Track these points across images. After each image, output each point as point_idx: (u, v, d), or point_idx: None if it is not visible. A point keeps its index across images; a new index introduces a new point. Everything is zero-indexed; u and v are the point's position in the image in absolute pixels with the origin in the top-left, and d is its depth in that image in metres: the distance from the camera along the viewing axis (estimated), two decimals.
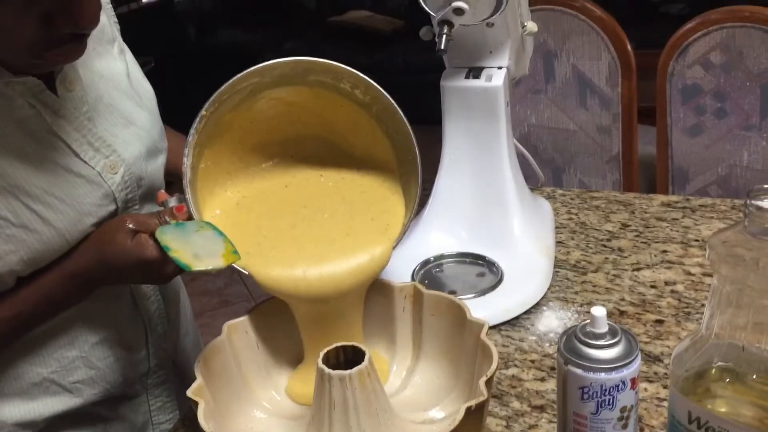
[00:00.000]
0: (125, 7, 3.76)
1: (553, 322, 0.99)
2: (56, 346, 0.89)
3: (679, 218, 1.21)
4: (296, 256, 0.82)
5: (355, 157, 0.90)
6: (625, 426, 0.69)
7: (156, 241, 0.77)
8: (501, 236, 1.07)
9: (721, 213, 1.21)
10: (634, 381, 0.68)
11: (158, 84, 1.02)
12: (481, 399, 0.67)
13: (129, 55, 0.96)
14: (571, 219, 1.25)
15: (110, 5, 0.94)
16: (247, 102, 0.84)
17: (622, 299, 1.02)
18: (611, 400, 0.67)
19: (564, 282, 1.07)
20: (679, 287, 1.03)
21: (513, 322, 1.00)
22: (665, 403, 0.82)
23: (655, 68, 1.74)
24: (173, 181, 0.97)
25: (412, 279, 1.05)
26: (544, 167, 1.88)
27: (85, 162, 0.84)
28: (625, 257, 1.12)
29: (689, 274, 1.06)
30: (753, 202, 0.60)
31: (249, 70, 0.80)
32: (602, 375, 0.67)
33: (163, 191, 0.86)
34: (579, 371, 0.67)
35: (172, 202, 0.81)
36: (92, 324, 0.90)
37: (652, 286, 1.04)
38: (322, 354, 0.71)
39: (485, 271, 1.06)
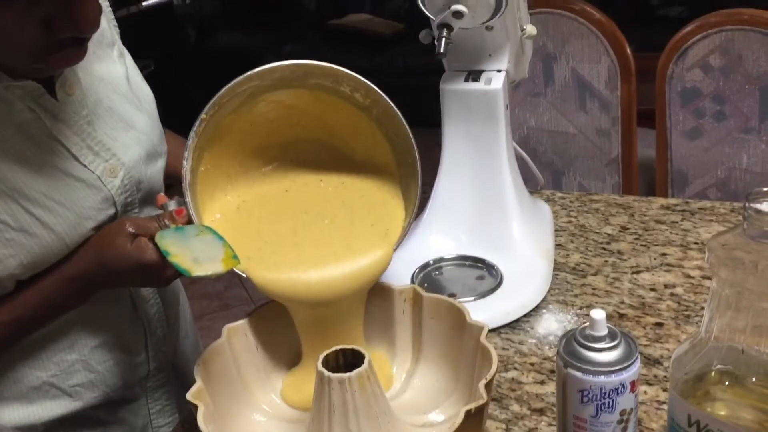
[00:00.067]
0: (125, 10, 3.76)
1: (552, 325, 0.99)
2: (56, 350, 0.89)
3: (679, 221, 1.21)
4: (297, 261, 0.82)
5: (355, 160, 0.90)
6: (624, 429, 0.69)
7: (156, 244, 0.77)
8: (500, 239, 1.07)
9: (721, 216, 1.21)
10: (633, 384, 0.68)
11: (158, 87, 1.02)
12: (481, 402, 0.67)
13: (128, 58, 0.96)
14: (570, 222, 1.25)
15: (110, 9, 0.94)
16: (247, 105, 0.84)
17: (622, 302, 1.02)
18: (611, 403, 0.67)
19: (563, 285, 1.07)
20: (679, 290, 1.03)
21: (512, 325, 1.00)
22: (665, 406, 0.82)
23: (654, 71, 1.75)
24: (173, 184, 0.97)
25: (412, 282, 1.05)
26: (544, 170, 1.88)
27: (85, 166, 0.84)
28: (625, 260, 1.12)
29: (689, 277, 1.06)
30: (752, 205, 0.60)
31: (249, 73, 0.80)
32: (602, 378, 0.67)
33: (162, 194, 0.86)
34: (579, 374, 0.67)
35: (172, 205, 0.81)
36: (92, 327, 0.90)
37: (652, 289, 1.04)
38: (321, 357, 0.71)
39: (485, 274, 1.06)
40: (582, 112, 1.86)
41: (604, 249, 1.16)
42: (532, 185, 1.28)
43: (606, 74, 1.79)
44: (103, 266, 0.80)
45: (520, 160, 1.18)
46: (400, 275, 1.04)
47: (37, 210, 0.79)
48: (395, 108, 0.84)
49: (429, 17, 0.98)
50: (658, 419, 0.81)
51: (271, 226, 0.86)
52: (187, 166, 0.80)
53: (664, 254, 1.12)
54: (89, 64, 0.86)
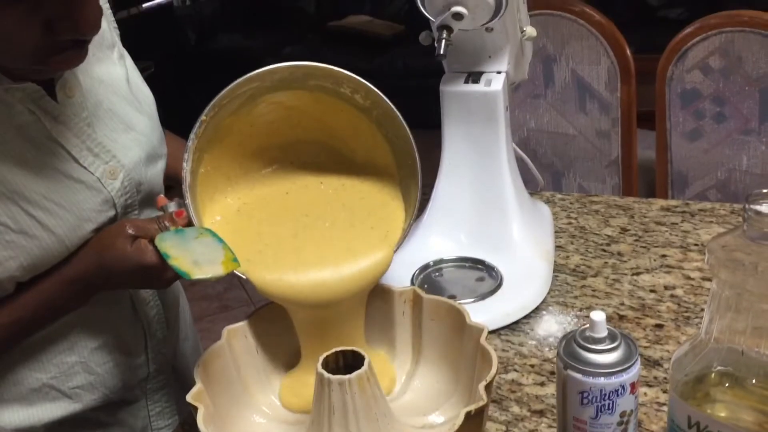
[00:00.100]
0: (125, 12, 3.76)
1: (552, 326, 0.99)
2: (55, 352, 0.89)
3: (679, 222, 1.21)
4: (297, 264, 0.82)
5: (355, 161, 0.90)
6: (624, 431, 0.69)
7: (155, 246, 0.77)
8: (500, 240, 1.07)
9: (721, 217, 1.21)
10: (633, 385, 0.68)
11: (158, 89, 1.02)
12: (481, 404, 0.67)
13: (129, 60, 0.96)
14: (570, 223, 1.25)
15: (110, 10, 0.94)
16: (247, 106, 0.84)
17: (622, 304, 1.02)
18: (611, 405, 0.67)
19: (563, 286, 1.07)
20: (679, 291, 1.03)
21: (512, 327, 1.00)
22: (665, 408, 0.82)
23: (654, 73, 1.75)
24: (173, 185, 0.97)
25: (412, 283, 1.05)
26: (544, 172, 1.88)
27: (85, 168, 0.84)
28: (625, 262, 1.12)
29: (688, 278, 1.06)
30: (752, 206, 0.60)
31: (249, 74, 0.80)
32: (602, 380, 0.67)
33: (162, 196, 0.86)
34: (578, 376, 0.67)
35: (172, 206, 0.80)
36: (91, 329, 0.90)
37: (652, 291, 1.04)
38: (321, 359, 0.71)
39: (485, 275, 1.06)
40: (582, 114, 1.86)
41: (604, 250, 1.16)
42: (532, 187, 1.28)
43: (606, 76, 1.79)
44: (103, 268, 0.80)
45: (520, 161, 1.18)
46: (400, 277, 1.04)
47: (37, 212, 0.79)
48: (395, 109, 0.84)
49: (429, 19, 0.98)
50: (658, 421, 0.81)
51: (272, 228, 0.86)
52: (187, 167, 0.80)
53: (664, 256, 1.12)
54: (89, 66, 0.86)
